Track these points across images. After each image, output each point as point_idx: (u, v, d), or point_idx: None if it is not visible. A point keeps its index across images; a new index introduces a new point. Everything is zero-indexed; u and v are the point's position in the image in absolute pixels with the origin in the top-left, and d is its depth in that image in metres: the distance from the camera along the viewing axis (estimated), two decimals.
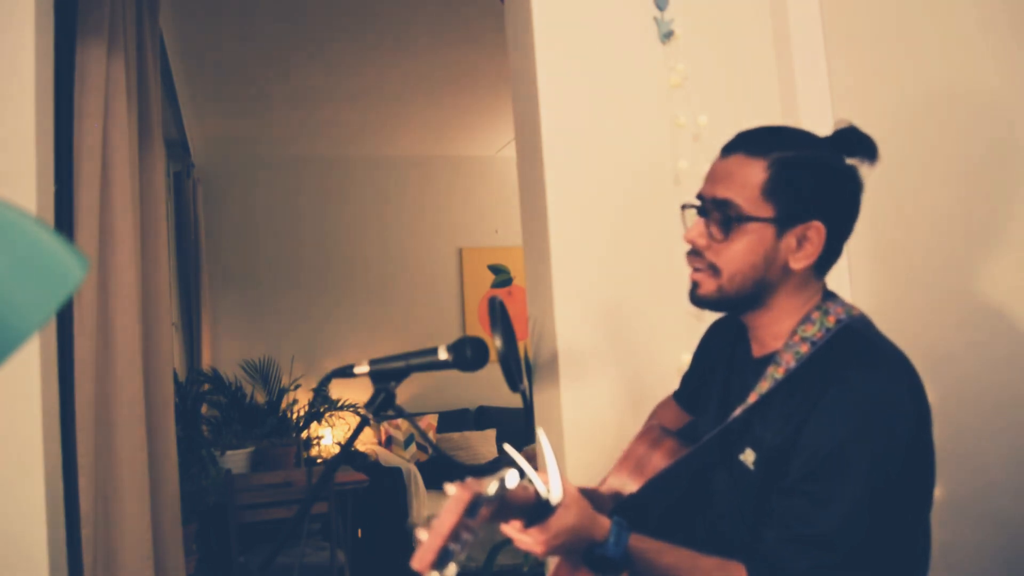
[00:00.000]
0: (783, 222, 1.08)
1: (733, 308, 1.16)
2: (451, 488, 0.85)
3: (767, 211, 1.08)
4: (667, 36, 2.08)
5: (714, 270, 1.12)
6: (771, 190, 1.08)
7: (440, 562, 0.80)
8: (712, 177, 1.14)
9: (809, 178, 1.09)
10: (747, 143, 1.12)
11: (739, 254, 1.10)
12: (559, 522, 1.00)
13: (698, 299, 1.15)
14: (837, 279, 1.95)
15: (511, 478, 0.88)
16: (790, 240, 1.09)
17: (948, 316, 1.68)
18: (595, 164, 2.02)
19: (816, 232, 1.09)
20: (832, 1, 2.02)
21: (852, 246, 1.95)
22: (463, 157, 6.17)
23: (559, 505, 1.00)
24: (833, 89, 2.02)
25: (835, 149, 1.12)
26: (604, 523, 1.05)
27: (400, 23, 3.73)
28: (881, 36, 1.87)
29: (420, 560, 0.80)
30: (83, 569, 1.87)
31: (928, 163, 1.74)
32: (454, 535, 0.81)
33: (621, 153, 2.04)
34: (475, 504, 0.84)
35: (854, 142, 1.13)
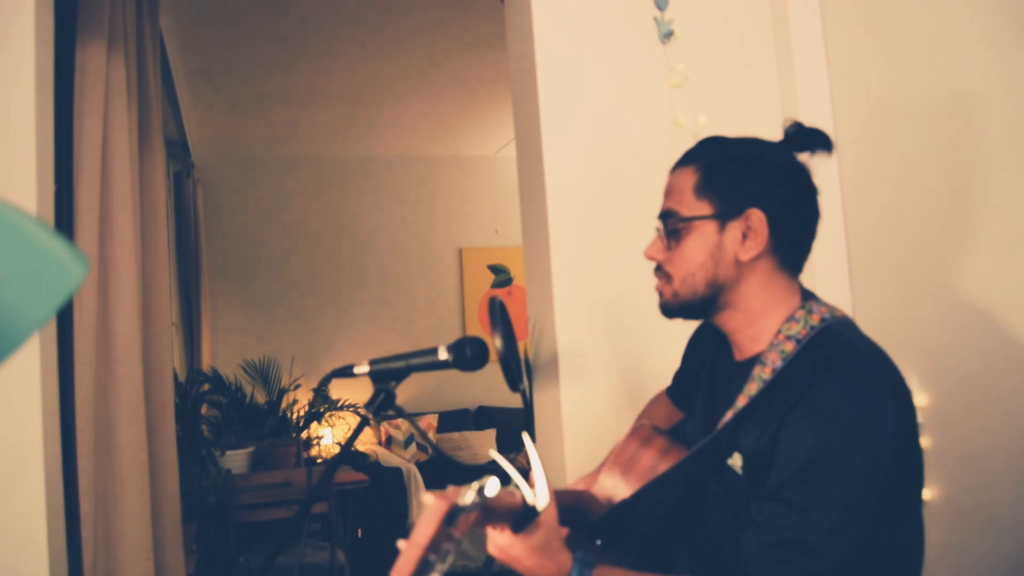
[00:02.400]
0: (721, 216, 1.11)
1: (696, 312, 1.17)
2: (428, 497, 0.84)
3: (704, 209, 1.12)
4: (667, 36, 2.08)
5: (668, 278, 1.16)
6: (702, 188, 1.12)
7: (419, 573, 0.79)
8: (663, 195, 1.19)
9: (738, 170, 1.12)
10: (683, 157, 1.18)
11: (686, 256, 1.13)
12: (530, 538, 0.98)
13: (663, 308, 1.19)
14: (837, 280, 1.95)
15: (491, 486, 0.87)
16: (734, 233, 1.11)
17: (948, 317, 1.68)
18: (595, 164, 2.02)
19: (757, 220, 1.10)
20: (832, 1, 2.02)
21: (852, 247, 1.96)
22: (463, 157, 6.17)
23: (536, 526, 0.99)
24: (833, 89, 2.02)
25: (787, 149, 1.14)
26: (565, 561, 1.01)
27: (400, 23, 3.73)
28: (881, 36, 1.87)
29: (399, 572, 0.79)
30: (83, 569, 1.87)
31: (927, 163, 1.74)
32: (433, 545, 0.80)
33: (621, 153, 2.04)
34: (452, 514, 0.82)
35: (804, 138, 1.15)
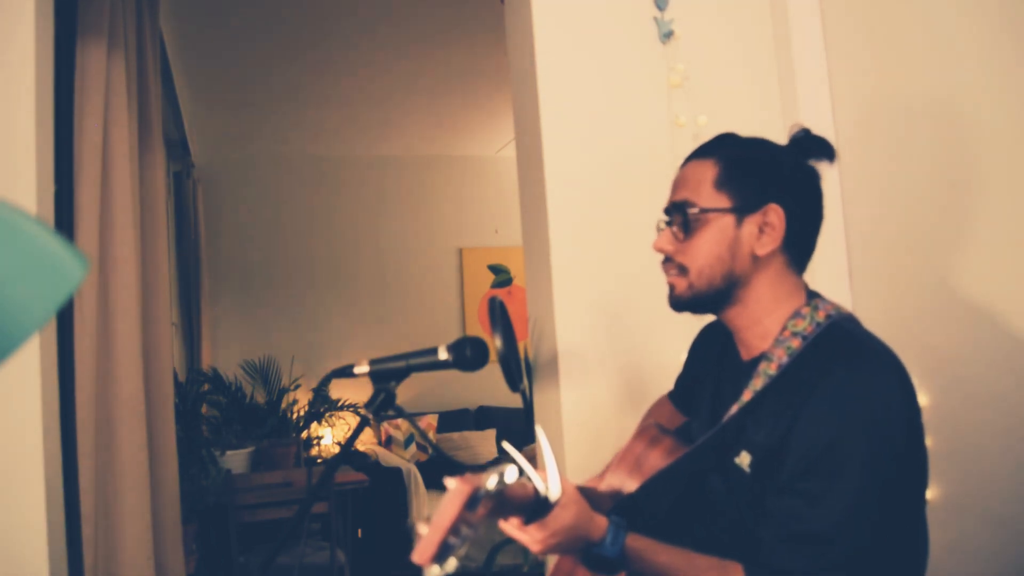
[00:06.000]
0: (740, 210, 1.12)
1: (709, 306, 1.17)
2: (451, 482, 0.84)
3: (723, 201, 1.12)
4: (667, 36, 2.08)
5: (682, 270, 1.15)
6: (723, 181, 1.13)
7: (440, 556, 0.80)
8: (672, 187, 1.19)
9: (759, 165, 1.14)
10: (699, 150, 1.18)
11: (703, 248, 1.13)
12: (557, 521, 1.00)
13: (675, 301, 1.18)
14: (837, 280, 1.95)
15: (510, 473, 0.88)
16: (751, 227, 1.12)
17: (948, 316, 1.68)
18: (595, 164, 2.02)
19: (776, 215, 1.11)
20: (832, 2, 2.02)
21: (852, 247, 1.96)
22: (463, 157, 6.17)
23: (557, 503, 1.00)
24: (833, 89, 2.02)
25: (793, 154, 1.16)
26: (601, 522, 1.05)
27: (400, 23, 3.73)
28: (880, 37, 1.87)
29: (421, 554, 0.79)
30: (83, 569, 1.87)
31: (927, 162, 1.74)
32: (454, 529, 0.81)
33: (621, 153, 2.04)
34: (475, 498, 0.83)
35: (809, 145, 1.16)
